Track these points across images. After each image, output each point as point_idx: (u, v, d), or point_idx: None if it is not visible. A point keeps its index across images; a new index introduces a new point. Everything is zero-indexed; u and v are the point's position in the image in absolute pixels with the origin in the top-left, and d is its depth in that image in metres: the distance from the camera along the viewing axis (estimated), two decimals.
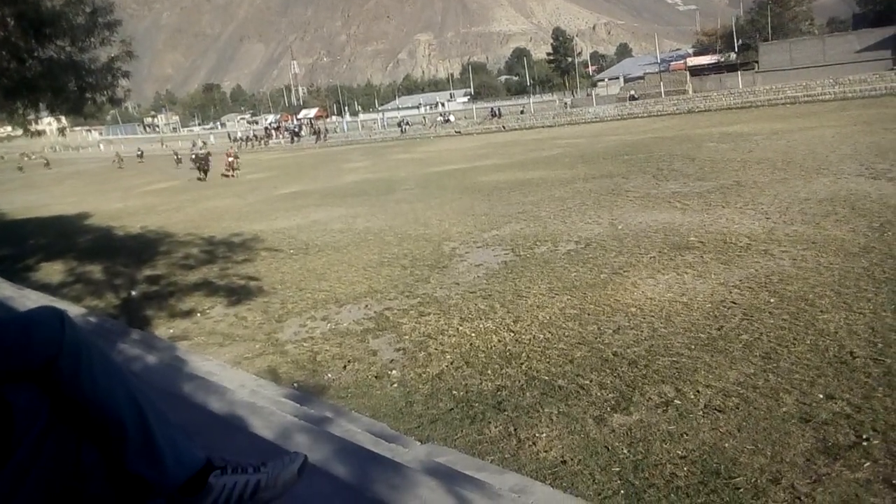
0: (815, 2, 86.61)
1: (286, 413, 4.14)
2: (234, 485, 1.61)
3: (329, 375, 6.14)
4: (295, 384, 5.99)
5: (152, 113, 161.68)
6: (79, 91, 12.04)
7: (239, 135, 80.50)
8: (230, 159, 34.12)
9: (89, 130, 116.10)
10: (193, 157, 36.63)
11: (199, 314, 8.75)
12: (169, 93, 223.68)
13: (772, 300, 6.66)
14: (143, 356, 5.81)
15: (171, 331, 8.11)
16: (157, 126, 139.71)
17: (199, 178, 32.82)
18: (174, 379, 4.98)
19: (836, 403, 4.47)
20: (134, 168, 48.78)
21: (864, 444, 3.94)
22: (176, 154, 46.98)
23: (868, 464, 3.75)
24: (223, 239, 14.17)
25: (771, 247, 8.67)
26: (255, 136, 73.92)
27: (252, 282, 10.15)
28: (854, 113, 28.09)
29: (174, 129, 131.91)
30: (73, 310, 8.60)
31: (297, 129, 76.99)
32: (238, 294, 9.49)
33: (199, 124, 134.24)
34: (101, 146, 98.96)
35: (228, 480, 1.61)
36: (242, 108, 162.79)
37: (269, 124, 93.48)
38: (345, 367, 6.31)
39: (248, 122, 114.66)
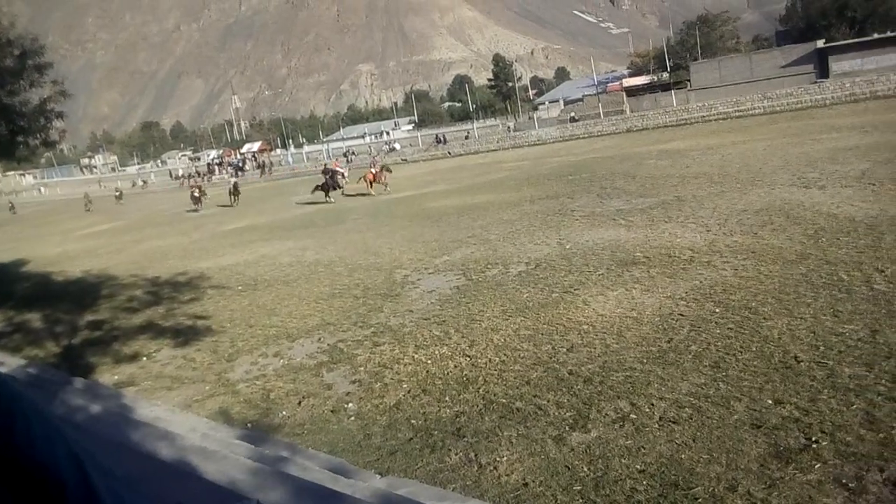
0: (740, 20, 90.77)
1: (239, 456, 4.03)
2: None
3: (284, 413, 6.01)
4: (248, 425, 5.83)
5: (89, 154, 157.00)
6: (10, 135, 11.68)
7: (180, 172, 79.00)
8: (374, 169, 28.11)
9: (23, 174, 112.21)
10: (322, 170, 29.26)
11: (145, 358, 8.48)
12: (106, 133, 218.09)
13: (717, 310, 6.84)
14: (87, 406, 5.59)
15: (116, 377, 7.82)
16: (95, 167, 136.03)
17: (327, 201, 26.50)
18: (120, 427, 4.80)
19: (784, 408, 4.59)
20: (107, 210, 45.75)
21: (814, 446, 4.05)
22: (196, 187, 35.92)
23: (819, 465, 3.85)
24: (168, 279, 13.80)
25: (713, 258, 8.93)
26: (197, 172, 72.56)
27: (200, 321, 9.90)
28: (783, 125, 29.34)
29: (112, 168, 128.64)
30: (12, 361, 8.24)
31: (240, 164, 75.95)
32: (185, 335, 9.23)
33: (139, 163, 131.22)
34: (42, 189, 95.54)
35: None
36: (183, 145, 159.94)
37: (212, 160, 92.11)
38: (300, 403, 6.19)
39: (190, 159, 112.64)
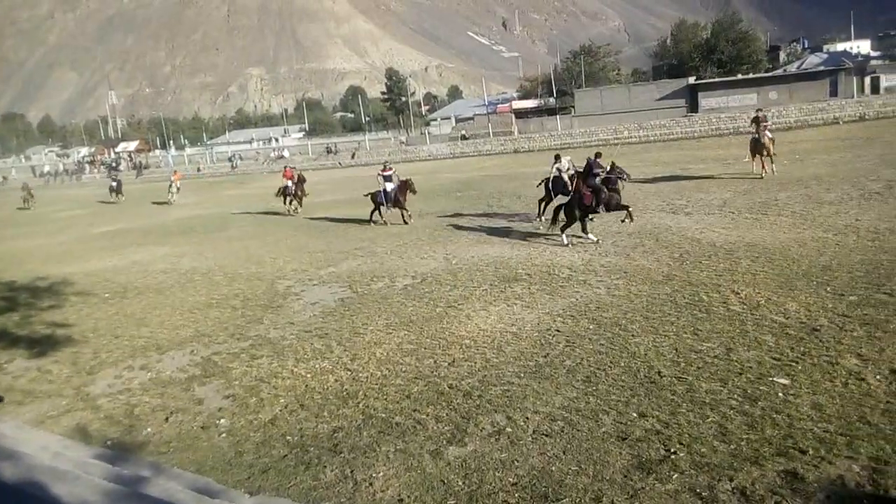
0: (621, 53, 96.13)
1: (94, 476, 3.74)
2: None
3: (148, 430, 5.67)
4: (108, 442, 5.45)
5: None
6: None
7: (46, 168, 73.27)
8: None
9: None
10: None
11: None
12: None
13: (591, 326, 7.14)
14: None
15: None
16: None
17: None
18: None
19: (647, 421, 4.85)
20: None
21: (673, 457, 4.30)
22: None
23: (676, 476, 4.09)
24: (26, 284, 12.74)
25: (589, 277, 9.33)
26: (65, 170, 67.63)
27: (59, 330, 9.19)
28: (655, 155, 31.27)
29: None
30: None
31: (114, 163, 71.59)
32: (42, 345, 8.54)
33: None
34: None
35: None
36: (52, 140, 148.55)
37: (83, 158, 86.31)
38: (167, 419, 5.86)
39: (58, 156, 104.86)
